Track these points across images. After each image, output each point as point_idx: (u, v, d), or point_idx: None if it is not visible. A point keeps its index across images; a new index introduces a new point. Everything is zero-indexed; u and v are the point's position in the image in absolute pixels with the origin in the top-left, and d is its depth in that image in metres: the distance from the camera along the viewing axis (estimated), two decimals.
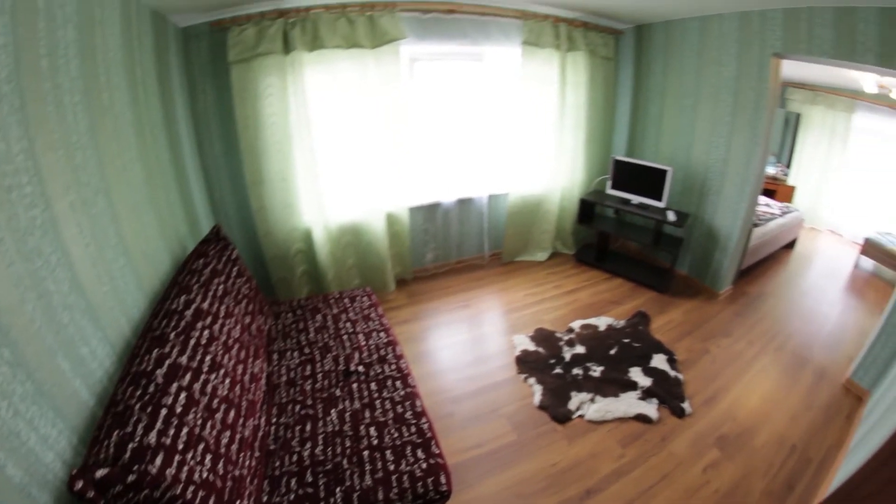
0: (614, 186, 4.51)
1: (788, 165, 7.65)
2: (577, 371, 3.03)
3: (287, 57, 2.99)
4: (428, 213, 4.12)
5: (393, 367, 2.29)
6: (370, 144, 3.42)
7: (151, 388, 1.39)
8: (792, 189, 7.23)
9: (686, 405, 2.88)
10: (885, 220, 6.63)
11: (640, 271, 4.62)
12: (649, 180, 4.25)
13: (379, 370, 2.27)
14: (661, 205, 4.24)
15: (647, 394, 2.91)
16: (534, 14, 3.70)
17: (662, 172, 4.13)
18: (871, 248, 5.81)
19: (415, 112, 3.76)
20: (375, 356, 2.36)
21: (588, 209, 4.66)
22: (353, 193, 3.53)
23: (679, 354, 3.41)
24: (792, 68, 6.17)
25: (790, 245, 6.26)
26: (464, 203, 4.29)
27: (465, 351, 3.30)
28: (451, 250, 4.39)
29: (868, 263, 6.06)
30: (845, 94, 6.74)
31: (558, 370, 3.03)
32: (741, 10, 3.56)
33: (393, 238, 3.80)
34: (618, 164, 4.44)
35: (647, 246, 4.54)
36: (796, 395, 3.25)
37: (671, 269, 4.35)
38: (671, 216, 4.11)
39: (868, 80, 5.19)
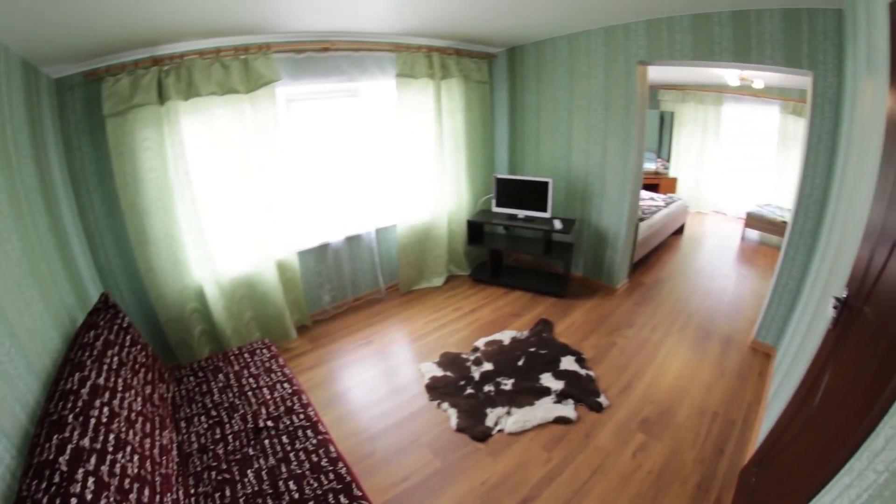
0: (499, 204, 4.94)
1: (668, 159, 8.87)
2: (488, 388, 3.26)
3: (163, 107, 3.01)
4: (318, 255, 4.25)
5: (301, 416, 2.39)
6: (252, 192, 3.50)
7: (57, 479, 1.37)
8: (674, 180, 8.37)
9: (602, 399, 3.17)
10: (762, 194, 8.07)
11: (537, 280, 5.08)
12: (532, 193, 4.72)
13: (288, 422, 2.36)
14: (546, 215, 4.73)
15: (561, 396, 3.17)
16: (407, 46, 4.05)
17: (544, 184, 4.63)
18: (753, 220, 7.11)
19: (295, 154, 3.91)
20: (282, 408, 2.45)
21: (476, 230, 5.07)
22: (241, 244, 3.59)
23: (587, 353, 3.76)
24: (661, 73, 7.44)
25: (679, 231, 7.30)
26: (352, 240, 4.48)
27: (375, 387, 3.44)
28: (346, 289, 4.54)
29: (753, 234, 7.38)
30: (712, 90, 8.06)
31: (470, 390, 3.25)
32: (606, 25, 4.15)
33: (286, 285, 3.89)
34: (500, 182, 4.88)
35: (539, 256, 4.96)
36: (708, 366, 3.67)
37: (566, 273, 4.84)
38: (557, 224, 4.60)
39: (731, 74, 6.17)
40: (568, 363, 3.54)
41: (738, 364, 3.70)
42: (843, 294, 1.67)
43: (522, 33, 4.49)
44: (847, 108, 2.85)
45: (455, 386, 3.32)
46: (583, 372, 3.44)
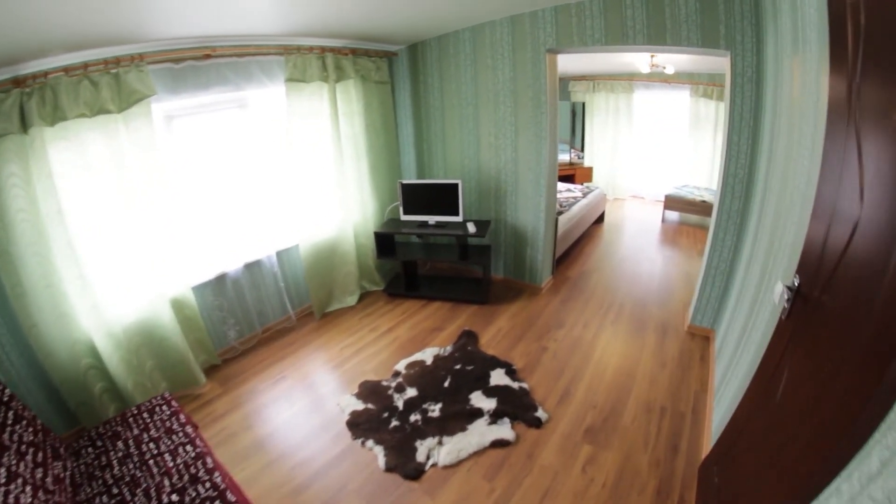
0: (407, 211, 5.07)
1: (582, 149, 9.61)
2: (414, 417, 3.27)
3: (27, 136, 2.79)
4: (216, 288, 4.14)
5: (207, 485, 2.32)
6: (135, 225, 3.35)
7: None
8: (590, 170, 9.01)
9: (540, 412, 3.23)
10: (678, 176, 9.01)
11: (456, 288, 5.27)
12: (442, 197, 4.88)
13: (194, 494, 2.27)
14: (458, 219, 4.91)
15: (495, 416, 3.21)
16: (297, 48, 4.06)
17: (453, 186, 4.79)
18: (672, 201, 7.92)
19: (179, 177, 3.79)
20: (187, 477, 2.38)
21: (385, 241, 5.15)
22: (129, 286, 3.43)
23: (517, 362, 3.88)
24: (571, 63, 7.98)
25: (600, 220, 7.89)
26: (252, 267, 4.39)
27: (294, 431, 3.36)
28: (252, 321, 4.45)
29: (672, 215, 8.28)
30: (623, 78, 8.85)
31: (395, 423, 3.25)
32: (511, 14, 4.31)
33: (186, 325, 3.76)
34: (406, 187, 5.00)
35: (456, 262, 5.12)
36: (647, 358, 3.88)
37: (486, 277, 5.06)
38: (471, 228, 4.80)
39: (642, 62, 6.66)
40: (498, 377, 3.64)
41: (677, 351, 3.96)
42: (795, 282, 1.68)
43: (423, 27, 4.58)
44: (770, 86, 3.07)
45: (378, 420, 3.31)
46: (515, 385, 3.54)
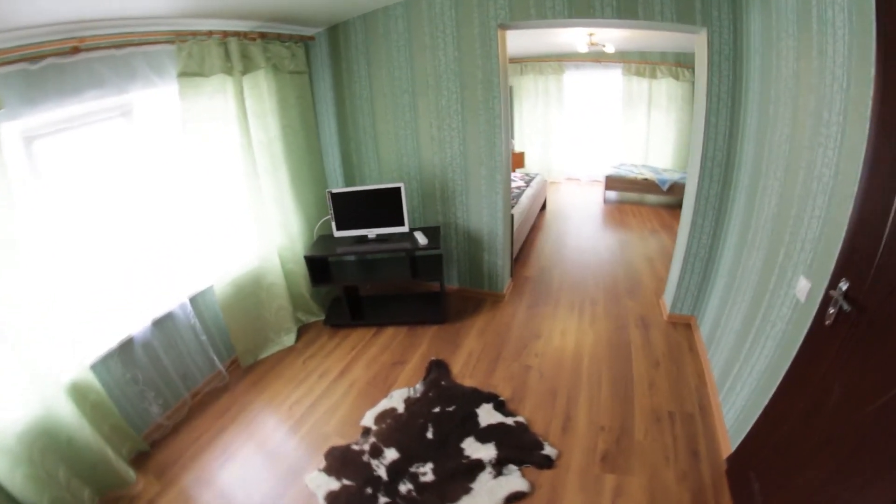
0: (342, 226, 4.37)
1: (512, 135, 9.49)
2: (405, 487, 2.72)
3: None
4: (124, 357, 3.14)
5: None
6: None
7: None
8: (521, 154, 8.75)
9: (548, 449, 2.88)
10: (614, 156, 9.20)
11: (409, 309, 4.71)
12: (382, 205, 4.27)
13: None
14: (404, 229, 4.33)
15: (499, 465, 2.80)
16: (192, 33, 3.23)
17: (395, 191, 4.21)
18: (613, 181, 8.13)
19: (47, 219, 2.73)
20: None
21: (319, 266, 4.42)
22: (10, 381, 2.45)
23: (503, 391, 3.47)
24: None
25: (542, 207, 7.73)
26: (163, 322, 3.43)
27: None
28: (177, 387, 3.50)
29: (612, 195, 8.46)
30: (552, 59, 8.82)
31: (384, 499, 2.64)
32: None
33: (94, 413, 2.84)
34: (336, 198, 4.28)
35: (407, 279, 4.45)
36: (638, 359, 3.72)
37: (442, 292, 4.51)
38: (421, 239, 4.26)
39: (581, 40, 6.34)
40: (487, 414, 3.21)
41: (665, 345, 3.90)
42: (842, 287, 1.59)
43: (345, 4, 3.94)
44: (755, 65, 3.00)
45: (361, 497, 2.68)
46: (510, 420, 3.16)
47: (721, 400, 3.06)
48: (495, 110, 4.16)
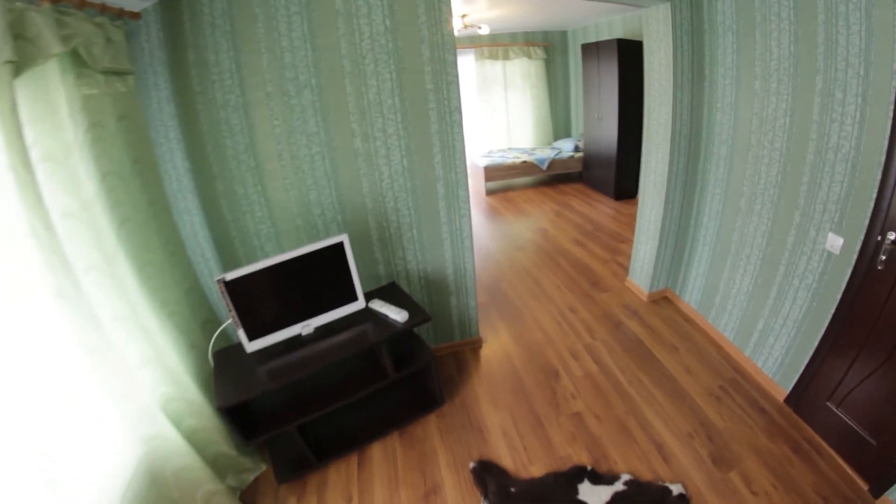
0: (256, 333, 2.48)
1: None
2: None
3: None
4: None
5: None
6: None
7: None
8: None
9: (673, 487, 2.43)
10: (476, 143, 8.71)
11: (386, 403, 3.11)
12: (316, 279, 2.56)
13: None
14: (359, 304, 2.70)
15: None
16: None
17: (332, 251, 2.55)
18: (493, 171, 7.54)
19: None
20: None
21: (239, 416, 2.40)
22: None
23: (581, 457, 2.70)
24: None
25: None
26: None
27: None
28: None
29: (493, 185, 8.00)
30: None
31: None
32: None
33: None
34: (237, 289, 2.34)
35: (391, 379, 2.81)
36: (661, 353, 3.49)
37: (432, 366, 2.96)
38: (394, 313, 2.67)
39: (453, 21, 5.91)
40: (592, 493, 2.43)
41: (666, 327, 3.76)
42: (890, 236, 2.04)
43: None
44: (725, 40, 2.98)
45: None
46: (619, 486, 2.47)
47: (749, 355, 3.15)
48: (452, 101, 2.76)
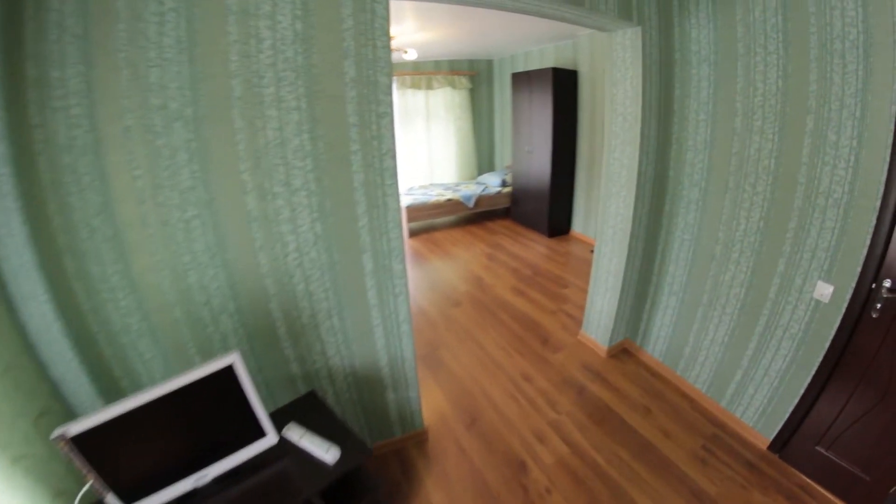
0: (134, 498, 1.61)
1: None
2: None
3: None
4: None
5: None
6: None
7: None
8: None
9: None
10: (403, 181, 8.10)
11: None
12: (205, 418, 1.76)
13: None
14: (270, 439, 1.90)
15: None
16: None
17: (220, 378, 1.73)
18: (416, 211, 6.79)
19: None
20: None
21: None
22: None
23: None
24: None
25: None
26: None
27: None
28: None
29: (416, 225, 7.30)
30: None
31: None
32: None
33: None
34: (89, 444, 1.47)
35: None
36: (634, 419, 3.16)
37: (368, 477, 2.10)
38: (319, 450, 1.91)
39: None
40: None
41: (633, 386, 3.43)
42: (887, 284, 2.05)
43: None
44: (699, 72, 2.80)
45: None
46: None
47: (725, 406, 3.04)
48: (384, 141, 2.09)
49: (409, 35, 5.02)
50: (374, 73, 1.96)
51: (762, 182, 2.49)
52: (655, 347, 3.57)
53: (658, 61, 2.88)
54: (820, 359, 2.36)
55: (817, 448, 2.48)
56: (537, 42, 6.24)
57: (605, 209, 3.41)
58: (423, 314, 4.58)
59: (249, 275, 2.05)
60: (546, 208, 6.43)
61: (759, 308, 2.65)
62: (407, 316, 2.51)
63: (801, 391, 2.48)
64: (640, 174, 3.07)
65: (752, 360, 2.77)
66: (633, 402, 3.24)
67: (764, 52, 2.36)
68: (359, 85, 1.95)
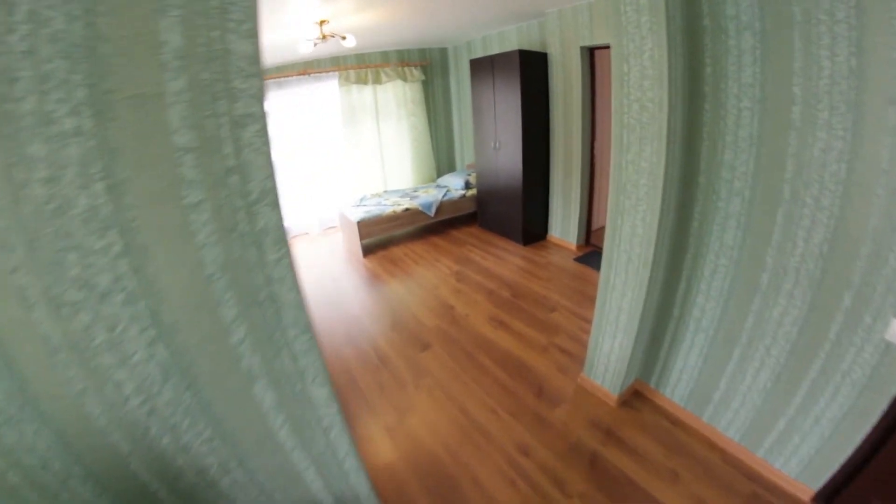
0: None
1: None
2: None
3: None
4: None
5: None
6: None
7: None
8: None
9: None
10: (345, 190, 7.61)
11: None
12: None
13: None
14: None
15: None
16: None
17: None
18: (370, 226, 6.20)
19: None
20: None
21: None
22: None
23: None
24: None
25: None
26: None
27: None
28: None
29: (372, 240, 6.69)
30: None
31: None
32: None
33: None
34: None
35: None
36: (659, 488, 2.68)
37: None
38: None
39: (307, 31, 4.71)
40: None
41: (654, 443, 2.89)
42: None
43: None
44: (746, 41, 2.21)
45: None
46: None
47: (763, 456, 2.63)
48: (255, 173, 1.19)
49: (346, 16, 4.21)
50: (223, 33, 1.04)
51: (828, 194, 1.99)
52: (675, 391, 3.05)
53: (681, 29, 2.24)
54: (885, 406, 2.02)
55: (873, 500, 2.19)
56: (498, 24, 5.50)
57: (614, 228, 2.73)
58: (386, 364, 3.78)
59: (84, 430, 1.19)
60: (519, 212, 5.75)
61: (815, 350, 2.23)
62: (350, 448, 1.76)
63: (860, 439, 2.14)
64: (666, 182, 2.40)
65: (801, 407, 2.37)
66: (658, 466, 2.67)
67: (830, 19, 1.80)
68: (190, 65, 1.03)
